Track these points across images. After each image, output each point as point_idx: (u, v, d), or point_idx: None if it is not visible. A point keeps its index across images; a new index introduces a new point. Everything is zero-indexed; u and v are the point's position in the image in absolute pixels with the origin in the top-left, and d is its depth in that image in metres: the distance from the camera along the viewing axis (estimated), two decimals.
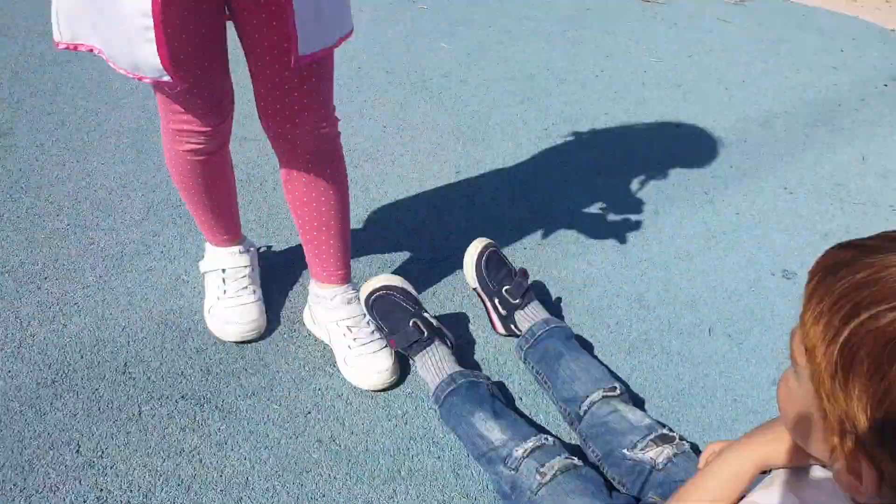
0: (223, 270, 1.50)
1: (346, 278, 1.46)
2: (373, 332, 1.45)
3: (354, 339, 1.42)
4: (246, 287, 1.50)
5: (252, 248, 1.55)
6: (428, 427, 1.34)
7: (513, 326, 1.52)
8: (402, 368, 1.45)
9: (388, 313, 1.45)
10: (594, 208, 1.99)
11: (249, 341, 1.46)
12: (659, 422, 1.33)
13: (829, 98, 2.78)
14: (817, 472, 0.79)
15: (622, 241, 1.88)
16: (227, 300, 1.47)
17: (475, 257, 1.58)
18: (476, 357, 1.51)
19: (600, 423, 1.29)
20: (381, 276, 1.50)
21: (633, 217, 1.98)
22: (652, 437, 1.24)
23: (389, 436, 1.32)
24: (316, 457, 1.27)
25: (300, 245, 1.45)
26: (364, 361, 1.41)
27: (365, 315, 1.47)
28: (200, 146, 1.28)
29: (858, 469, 0.61)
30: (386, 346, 1.44)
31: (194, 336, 1.46)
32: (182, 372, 1.39)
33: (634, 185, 2.12)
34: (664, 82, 2.73)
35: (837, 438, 0.63)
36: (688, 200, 2.08)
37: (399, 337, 1.42)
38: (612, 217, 1.97)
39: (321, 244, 1.39)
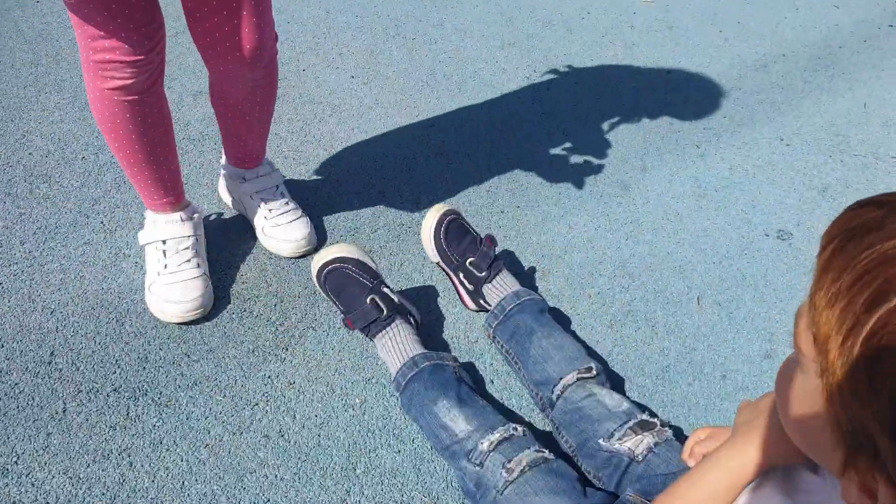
0: (163, 242, 1.35)
1: (262, 159, 1.51)
2: (287, 202, 1.50)
3: (270, 209, 1.49)
4: (189, 260, 1.35)
5: (196, 215, 1.41)
6: (388, 417, 1.22)
7: (482, 301, 1.39)
8: (321, 237, 1.55)
9: (342, 289, 1.31)
10: (578, 165, 1.84)
11: (193, 322, 1.33)
12: (639, 405, 1.21)
13: (830, 39, 2.60)
14: (811, 474, 0.67)
15: (606, 201, 1.74)
16: (168, 276, 1.33)
17: (433, 228, 1.43)
18: (445, 335, 1.38)
19: (574, 410, 1.17)
20: (333, 246, 1.35)
21: (619, 174, 1.83)
22: (631, 424, 1.12)
23: (345, 429, 1.20)
24: (262, 455, 1.15)
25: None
26: (280, 231, 1.48)
27: (278, 186, 1.51)
28: (129, 82, 1.12)
29: (873, 488, 0.48)
30: (302, 215, 1.51)
31: (133, 318, 1.32)
32: (116, 360, 1.25)
33: (622, 138, 1.96)
34: (655, 24, 2.55)
35: (850, 452, 0.49)
36: (678, 155, 1.93)
37: (355, 316, 1.28)
38: (596, 175, 1.82)
39: (241, 137, 1.41)
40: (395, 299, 1.30)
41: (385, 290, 1.30)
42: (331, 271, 1.32)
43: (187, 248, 1.36)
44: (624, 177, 1.82)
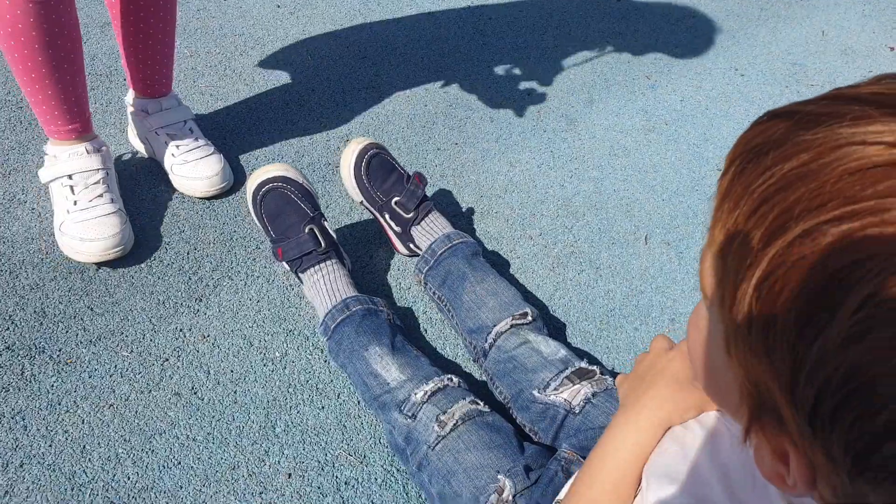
0: (69, 177, 1.23)
1: (168, 89, 1.40)
2: (197, 139, 1.39)
3: (177, 146, 1.37)
4: (101, 195, 1.23)
5: (105, 147, 1.28)
6: (311, 372, 1.13)
7: (412, 245, 1.29)
8: (239, 179, 1.42)
9: (279, 213, 1.20)
10: (521, 99, 1.73)
11: (112, 261, 1.22)
12: (578, 353, 1.14)
13: None
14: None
15: (550, 137, 1.64)
16: (79, 213, 1.21)
17: (352, 164, 1.31)
18: (375, 282, 1.29)
19: (507, 359, 1.09)
20: (275, 164, 1.23)
21: (565, 108, 1.73)
22: (567, 373, 1.04)
23: (264, 384, 1.11)
24: (172, 415, 1.05)
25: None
26: (189, 169, 1.36)
27: (186, 122, 1.40)
28: None
29: (785, 454, 0.40)
30: (215, 151, 1.40)
31: (28, 270, 1.20)
32: (10, 316, 1.14)
33: (568, 70, 1.85)
34: None
35: (753, 411, 0.41)
36: (627, 87, 1.83)
37: (289, 245, 1.18)
38: (540, 109, 1.71)
39: (146, 56, 1.31)
40: (334, 235, 1.20)
41: (325, 223, 1.20)
42: (270, 191, 1.20)
43: (98, 181, 1.24)
44: (569, 111, 1.72)
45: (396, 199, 1.27)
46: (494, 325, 1.12)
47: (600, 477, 0.68)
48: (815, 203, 0.34)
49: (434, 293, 1.22)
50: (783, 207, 0.35)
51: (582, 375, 1.03)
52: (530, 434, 1.05)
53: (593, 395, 1.02)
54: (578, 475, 0.72)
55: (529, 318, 1.12)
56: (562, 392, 1.02)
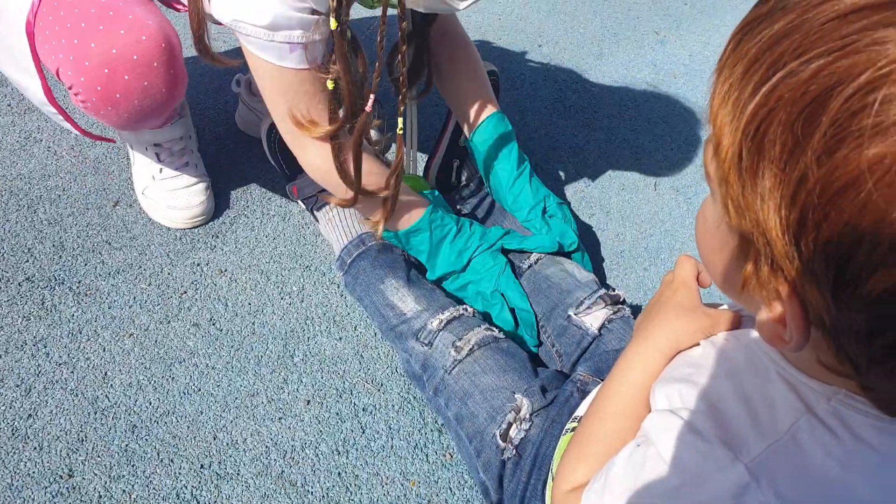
0: (155, 144, 1.18)
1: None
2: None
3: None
4: (187, 164, 1.21)
5: (187, 111, 1.23)
6: (328, 305, 1.15)
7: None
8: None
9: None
10: (530, 49, 1.74)
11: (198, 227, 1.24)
12: (607, 284, 1.16)
13: None
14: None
15: (561, 87, 1.65)
16: (166, 182, 1.19)
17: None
18: None
19: (543, 278, 1.12)
20: None
21: (575, 60, 1.73)
22: (601, 292, 1.08)
23: (281, 316, 1.12)
24: (191, 344, 1.07)
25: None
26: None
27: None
28: None
29: (781, 308, 0.43)
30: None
31: (46, 206, 1.21)
32: (29, 249, 1.15)
33: (578, 24, 1.86)
34: None
35: (752, 265, 0.44)
36: (636, 41, 1.84)
37: (304, 182, 1.19)
38: (549, 60, 1.72)
39: None
40: None
41: None
42: None
43: (183, 148, 1.21)
44: (580, 63, 1.73)
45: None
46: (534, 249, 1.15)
47: (614, 400, 0.69)
48: (798, 52, 0.37)
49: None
50: (771, 61, 0.39)
51: (615, 299, 1.08)
52: (554, 354, 1.07)
53: (609, 321, 1.04)
54: (595, 399, 0.73)
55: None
56: (594, 312, 1.05)
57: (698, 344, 0.67)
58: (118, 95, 0.92)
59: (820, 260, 0.38)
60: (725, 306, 0.71)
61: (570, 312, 1.07)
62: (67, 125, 1.03)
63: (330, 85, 0.92)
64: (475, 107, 1.21)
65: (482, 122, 1.20)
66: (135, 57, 0.91)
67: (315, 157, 1.00)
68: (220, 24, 0.89)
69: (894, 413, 0.45)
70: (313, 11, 0.85)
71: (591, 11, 1.90)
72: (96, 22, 0.89)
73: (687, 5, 2.01)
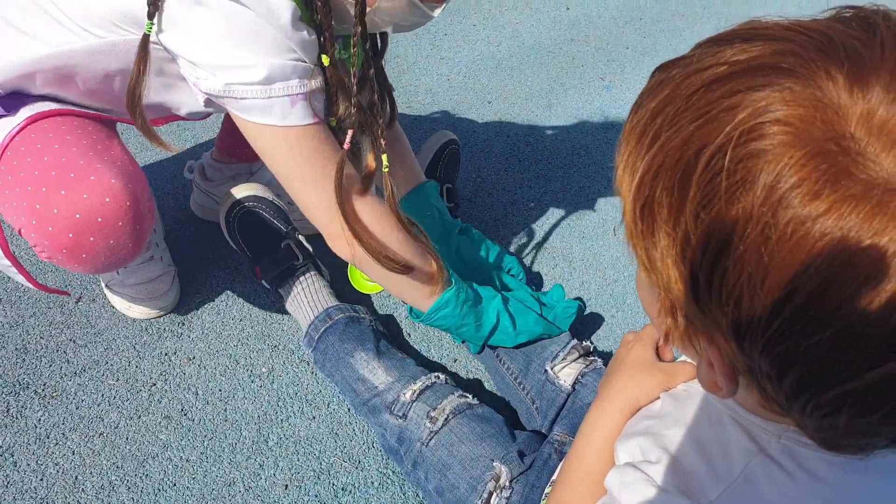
0: None
1: None
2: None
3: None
4: (151, 258, 1.18)
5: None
6: (299, 384, 1.14)
7: None
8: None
9: (254, 233, 1.20)
10: (480, 107, 1.77)
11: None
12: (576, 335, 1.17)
13: None
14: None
15: (514, 140, 1.68)
16: (129, 275, 1.16)
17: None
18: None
19: None
20: (245, 184, 1.21)
21: (525, 113, 1.77)
22: (573, 343, 1.11)
23: (253, 400, 1.11)
24: (164, 438, 1.06)
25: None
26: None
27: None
28: None
29: (707, 357, 0.47)
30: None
31: (7, 308, 1.20)
32: None
33: (525, 78, 1.90)
34: None
35: (671, 318, 0.47)
36: (583, 90, 1.88)
37: (267, 263, 1.19)
38: (500, 116, 1.75)
39: None
40: (310, 248, 1.21)
41: (300, 236, 1.21)
42: (242, 211, 1.19)
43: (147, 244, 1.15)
44: (530, 116, 1.76)
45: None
46: None
47: (581, 463, 0.71)
48: (671, 122, 0.42)
49: None
50: (653, 132, 0.43)
51: (586, 350, 1.11)
52: (534, 410, 1.07)
53: (582, 375, 1.05)
54: (563, 463, 0.75)
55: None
56: (569, 363, 1.07)
57: (659, 398, 0.68)
58: (84, 255, 0.90)
59: (716, 310, 0.41)
60: (684, 358, 0.73)
61: (546, 367, 1.08)
62: (21, 279, 0.99)
63: (332, 121, 0.91)
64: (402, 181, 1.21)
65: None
66: (99, 219, 0.88)
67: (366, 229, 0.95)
68: (210, 105, 0.88)
69: (831, 448, 0.46)
70: (303, 60, 0.84)
71: (537, 64, 1.95)
72: (57, 185, 0.86)
73: (629, 49, 2.07)
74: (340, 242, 0.95)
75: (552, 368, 1.08)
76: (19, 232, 0.89)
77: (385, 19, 0.90)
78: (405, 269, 0.97)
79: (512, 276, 1.23)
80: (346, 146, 0.91)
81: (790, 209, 0.36)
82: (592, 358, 1.11)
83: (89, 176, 0.87)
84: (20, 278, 0.98)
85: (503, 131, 1.70)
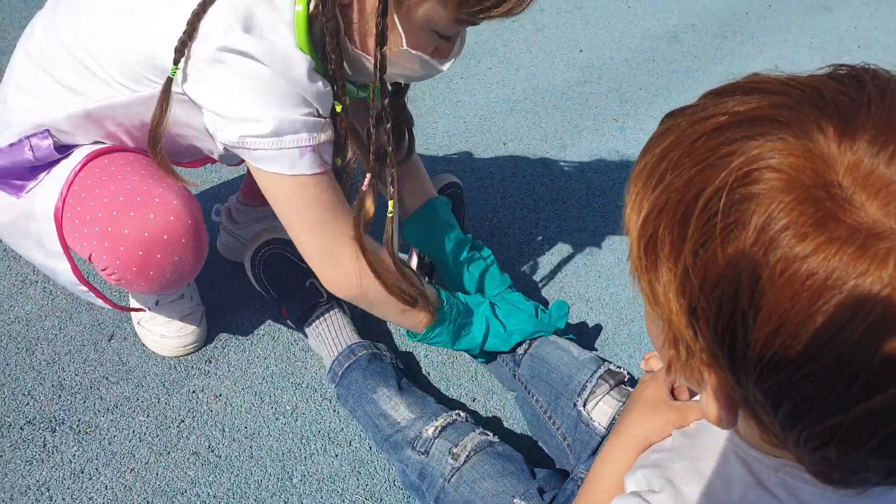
0: None
1: None
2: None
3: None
4: (182, 295, 1.23)
5: None
6: (322, 422, 1.18)
7: None
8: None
9: (279, 274, 1.25)
10: (495, 147, 1.82)
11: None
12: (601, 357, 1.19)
13: (736, 6, 2.65)
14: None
15: (529, 181, 1.72)
16: (161, 309, 1.21)
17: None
18: (378, 328, 1.34)
19: (541, 362, 1.16)
20: (266, 229, 1.27)
21: (540, 154, 1.82)
22: (601, 372, 1.11)
23: (277, 437, 1.15)
24: (192, 474, 1.09)
25: None
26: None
27: None
28: None
29: (708, 388, 0.50)
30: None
31: (44, 346, 1.25)
32: (29, 391, 1.18)
33: (539, 119, 1.95)
34: (564, 5, 2.55)
35: (674, 350, 0.50)
36: (596, 130, 1.93)
37: (293, 303, 1.24)
38: (515, 157, 1.80)
39: None
40: None
41: None
42: (269, 255, 1.24)
43: None
44: (545, 156, 1.81)
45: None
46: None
47: (591, 495, 0.74)
48: (675, 165, 0.46)
49: None
50: (659, 174, 0.47)
51: (613, 376, 1.10)
52: (565, 446, 1.09)
53: (618, 413, 1.06)
54: (578, 494, 0.78)
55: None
56: (599, 397, 1.08)
57: (671, 434, 0.71)
58: (151, 273, 0.97)
59: (713, 342, 0.45)
60: (698, 398, 0.76)
61: (578, 404, 1.08)
62: (99, 301, 1.07)
63: (338, 162, 0.96)
64: (410, 198, 1.28)
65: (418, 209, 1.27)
66: (165, 237, 0.96)
67: (350, 270, 1.00)
68: (230, 157, 0.94)
69: (828, 482, 0.48)
70: (315, 114, 0.90)
71: (551, 106, 2.00)
72: (126, 209, 0.94)
73: (641, 90, 2.11)
74: (338, 283, 1.02)
75: (584, 406, 1.08)
76: (89, 258, 0.97)
77: (396, 72, 0.96)
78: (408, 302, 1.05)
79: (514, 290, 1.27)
80: (364, 187, 0.97)
81: (780, 249, 0.40)
82: (627, 390, 1.10)
83: (154, 198, 0.95)
84: (98, 301, 1.07)
85: (519, 172, 1.75)
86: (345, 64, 0.92)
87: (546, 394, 1.13)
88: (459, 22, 0.89)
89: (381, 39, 0.87)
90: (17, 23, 2.05)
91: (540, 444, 1.17)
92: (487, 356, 1.22)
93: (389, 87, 0.98)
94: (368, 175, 0.97)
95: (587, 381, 1.09)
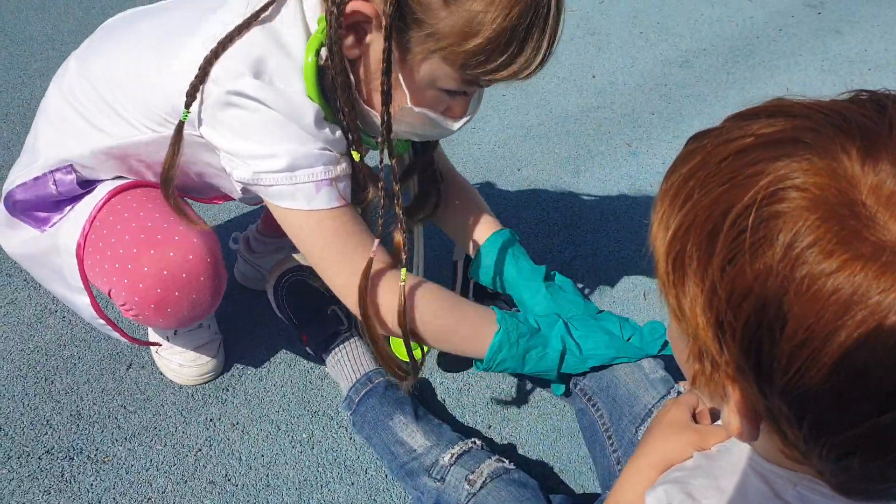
0: None
1: None
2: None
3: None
4: (200, 325, 1.23)
5: None
6: (338, 450, 1.18)
7: None
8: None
9: (302, 301, 1.25)
10: (509, 173, 1.83)
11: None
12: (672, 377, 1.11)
13: (747, 31, 2.66)
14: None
15: (543, 206, 1.73)
16: (179, 340, 1.22)
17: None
18: None
19: (610, 374, 1.08)
20: (288, 257, 1.27)
21: (553, 180, 1.82)
22: (670, 396, 1.03)
23: (294, 466, 1.15)
24: (209, 503, 1.10)
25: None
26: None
27: None
28: None
29: (732, 402, 0.51)
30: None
31: (62, 375, 1.26)
32: (47, 421, 1.19)
33: (552, 144, 1.96)
34: (577, 32, 2.58)
35: (699, 364, 0.51)
36: (610, 155, 1.94)
37: (314, 330, 1.24)
38: (530, 182, 1.81)
39: None
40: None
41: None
42: (292, 282, 1.24)
43: None
44: (558, 182, 1.82)
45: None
46: None
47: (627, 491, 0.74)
48: (702, 184, 0.47)
49: None
50: (686, 193, 0.48)
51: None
52: (617, 470, 1.03)
53: None
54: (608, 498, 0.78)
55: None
56: None
57: (692, 456, 0.72)
58: (169, 310, 0.99)
59: (739, 355, 0.46)
60: (720, 423, 0.76)
61: (641, 431, 1.02)
62: (117, 335, 1.09)
63: (359, 210, 0.96)
64: (476, 230, 1.22)
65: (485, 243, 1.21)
66: (184, 275, 0.97)
67: (391, 304, 0.96)
68: (250, 197, 0.96)
69: (849, 495, 0.49)
70: (329, 150, 0.89)
71: (564, 132, 2.01)
72: (146, 247, 0.96)
73: (654, 115, 2.12)
74: (375, 320, 0.98)
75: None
76: (108, 293, 0.99)
77: (405, 130, 0.96)
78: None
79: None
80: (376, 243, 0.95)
81: (806, 265, 0.41)
82: None
83: (174, 236, 0.97)
84: (115, 334, 1.09)
85: (533, 197, 1.76)
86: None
87: (610, 409, 1.07)
88: (465, 82, 0.88)
89: (386, 98, 0.85)
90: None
91: (590, 458, 1.13)
92: (565, 380, 1.13)
93: (416, 144, 0.96)
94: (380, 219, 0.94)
95: (653, 407, 1.03)
